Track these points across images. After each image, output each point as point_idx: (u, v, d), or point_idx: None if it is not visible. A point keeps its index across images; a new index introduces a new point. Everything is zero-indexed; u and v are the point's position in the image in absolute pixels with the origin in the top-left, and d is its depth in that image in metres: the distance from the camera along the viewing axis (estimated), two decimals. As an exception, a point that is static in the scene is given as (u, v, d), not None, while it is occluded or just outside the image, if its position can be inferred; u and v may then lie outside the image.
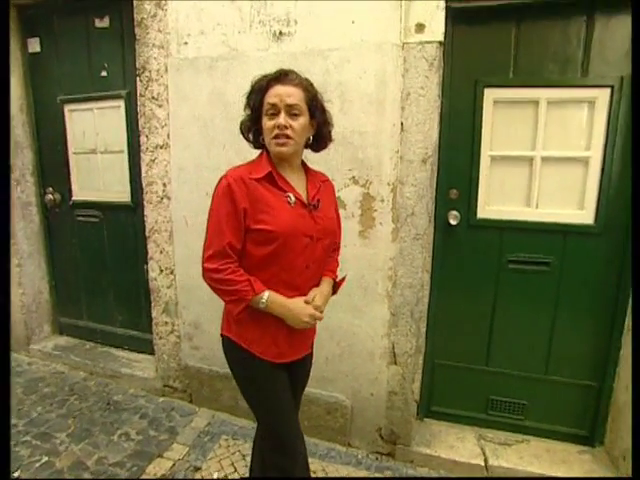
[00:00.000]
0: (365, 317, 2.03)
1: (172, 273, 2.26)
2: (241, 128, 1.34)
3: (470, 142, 1.97)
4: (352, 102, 1.88)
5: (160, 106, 2.11)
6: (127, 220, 2.55)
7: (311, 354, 1.52)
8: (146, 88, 2.12)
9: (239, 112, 1.97)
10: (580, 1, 1.76)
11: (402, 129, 1.84)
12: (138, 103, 2.15)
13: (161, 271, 2.28)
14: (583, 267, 1.96)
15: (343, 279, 1.47)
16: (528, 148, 1.93)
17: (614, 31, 1.78)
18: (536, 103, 1.89)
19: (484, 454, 2.03)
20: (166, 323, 2.33)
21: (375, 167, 1.90)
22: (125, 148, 2.46)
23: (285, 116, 1.18)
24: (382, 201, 1.92)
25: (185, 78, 2.05)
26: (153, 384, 2.45)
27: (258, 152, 1.34)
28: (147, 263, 2.32)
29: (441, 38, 1.74)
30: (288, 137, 1.19)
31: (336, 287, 1.45)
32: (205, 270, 1.23)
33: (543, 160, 1.92)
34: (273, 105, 1.18)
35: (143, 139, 2.17)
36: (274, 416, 1.34)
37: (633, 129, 1.68)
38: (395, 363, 2.03)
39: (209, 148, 2.08)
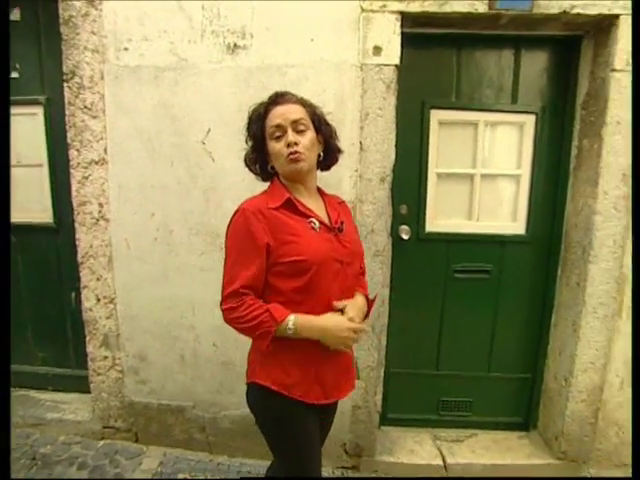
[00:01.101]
0: (326, 334, 2.03)
1: (112, 302, 2.02)
2: (246, 162, 1.28)
3: (418, 160, 2.08)
4: (311, 120, 1.87)
5: (95, 117, 1.88)
6: (49, 244, 2.22)
7: None
8: (76, 96, 1.87)
9: (189, 126, 1.90)
10: (508, 37, 1.96)
11: (361, 148, 1.88)
12: (67, 112, 1.88)
13: (98, 300, 2.03)
14: (517, 273, 2.19)
15: (374, 298, 1.35)
16: (469, 166, 2.10)
17: (536, 66, 2.03)
18: (475, 125, 2.06)
19: (441, 454, 2.15)
20: (105, 357, 2.08)
21: (335, 185, 1.90)
22: (45, 162, 2.14)
23: (293, 133, 1.14)
24: (341, 219, 1.94)
25: (126, 87, 1.86)
26: (90, 427, 2.17)
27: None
28: (79, 292, 2.05)
29: (397, 61, 1.82)
30: (300, 152, 1.13)
31: (369, 305, 1.31)
32: (223, 312, 1.15)
33: (482, 177, 2.10)
34: (278, 126, 1.14)
35: (73, 153, 1.91)
36: (303, 461, 1.23)
37: (633, 129, 1.75)
38: (358, 377, 2.05)
39: (155, 165, 1.91)
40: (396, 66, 1.82)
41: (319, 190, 1.33)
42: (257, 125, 1.20)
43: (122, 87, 1.86)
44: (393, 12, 1.77)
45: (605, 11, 1.74)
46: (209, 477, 2.01)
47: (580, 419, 2.05)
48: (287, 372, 1.17)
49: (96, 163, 1.91)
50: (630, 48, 1.75)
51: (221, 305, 1.15)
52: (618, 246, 1.89)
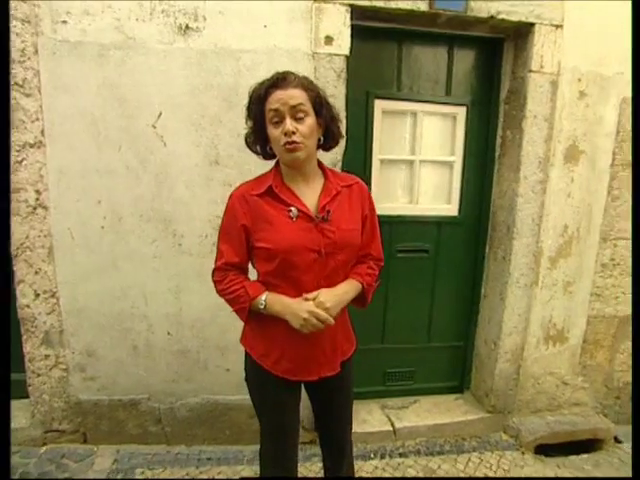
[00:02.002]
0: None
1: (54, 296, 1.88)
2: (246, 141, 1.26)
3: (363, 147, 2.20)
4: (265, 106, 1.89)
5: (28, 95, 1.72)
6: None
7: (346, 374, 1.38)
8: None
9: (139, 109, 1.84)
10: (444, 35, 2.14)
11: (314, 134, 1.94)
12: (-7, 89, 1.70)
13: (37, 296, 1.87)
14: (451, 250, 2.42)
15: (370, 285, 1.31)
16: (409, 153, 2.27)
17: (467, 63, 2.24)
18: (415, 114, 2.23)
19: (390, 420, 2.33)
20: (46, 357, 1.93)
21: (288, 170, 1.96)
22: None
23: (291, 120, 1.11)
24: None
25: (65, 64, 1.72)
26: (29, 433, 2.00)
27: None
28: (14, 287, 1.87)
29: (347, 52, 1.90)
30: (297, 142, 1.12)
31: (364, 293, 1.30)
32: (213, 283, 1.27)
33: (421, 163, 2.28)
34: (276, 111, 1.11)
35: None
36: (272, 428, 1.34)
37: (633, 129, 1.89)
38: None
39: (100, 148, 1.80)
40: (346, 56, 1.91)
41: (326, 172, 1.28)
42: (257, 107, 1.16)
43: (61, 64, 1.72)
44: (344, 4, 1.85)
45: (523, 19, 1.99)
46: (168, 469, 1.98)
47: (506, 376, 2.34)
48: (260, 342, 1.28)
49: (31, 146, 1.75)
50: (543, 52, 2.02)
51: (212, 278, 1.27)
52: (535, 224, 2.18)
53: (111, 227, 1.87)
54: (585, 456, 2.32)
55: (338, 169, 1.99)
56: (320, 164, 1.29)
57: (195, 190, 1.91)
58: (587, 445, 2.38)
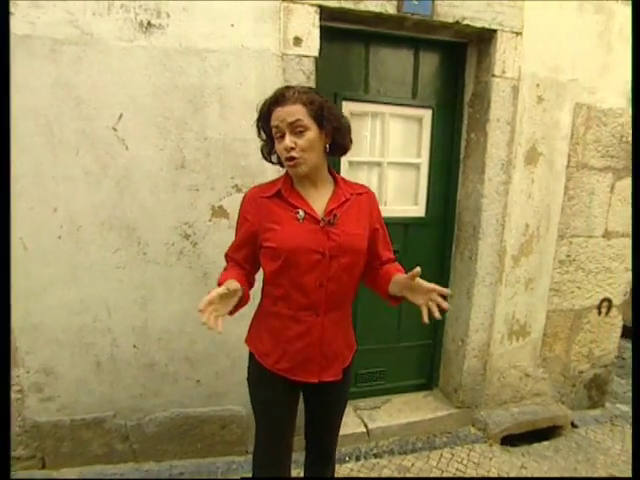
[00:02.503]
0: (254, 322, 2.04)
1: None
2: (262, 153, 1.33)
3: (332, 149, 2.18)
4: (232, 108, 1.83)
5: (-30, 94, 1.56)
6: None
7: (344, 381, 1.38)
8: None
9: (98, 110, 1.73)
10: (409, 38, 2.16)
11: (283, 137, 1.91)
12: None
13: (-15, 312, 1.72)
14: (419, 251, 2.45)
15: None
16: (377, 155, 2.28)
17: (432, 66, 2.27)
18: (383, 116, 2.24)
19: (363, 421, 2.35)
20: (-2, 378, 1.78)
21: (258, 174, 1.91)
22: None
23: (290, 136, 1.16)
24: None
25: (12, 60, 1.58)
26: (-21, 462, 1.84)
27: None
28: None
29: (316, 53, 1.87)
30: (296, 157, 1.17)
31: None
32: None
33: (389, 165, 2.30)
34: (277, 128, 1.17)
35: (-59, 137, 1.57)
36: (268, 428, 1.35)
37: (633, 129, 1.93)
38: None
39: (55, 152, 1.67)
40: (315, 58, 1.88)
41: (337, 179, 1.31)
42: (264, 123, 1.23)
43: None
44: (312, 4, 1.81)
45: (487, 25, 2.04)
46: (137, 488, 1.89)
47: (473, 372, 2.42)
48: (262, 341, 1.32)
49: (-25, 149, 1.60)
50: (505, 58, 2.09)
51: None
52: (499, 224, 2.26)
53: (69, 236, 1.75)
54: (546, 443, 2.45)
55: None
56: (331, 171, 1.33)
57: (160, 196, 1.82)
58: (548, 432, 2.50)
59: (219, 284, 1.17)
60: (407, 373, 2.60)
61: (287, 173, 1.28)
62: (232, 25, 1.76)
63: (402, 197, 2.39)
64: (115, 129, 1.71)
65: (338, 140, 1.26)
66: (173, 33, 1.70)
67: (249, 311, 1.99)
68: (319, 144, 1.20)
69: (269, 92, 1.80)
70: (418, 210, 2.41)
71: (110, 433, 1.94)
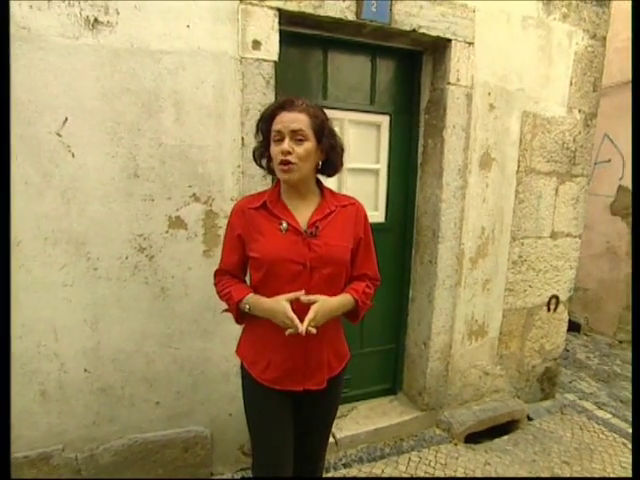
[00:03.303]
0: (217, 339, 1.95)
1: None
2: (254, 155, 1.33)
3: (292, 156, 2.14)
4: (189, 113, 1.74)
5: None
6: None
7: (332, 391, 1.39)
8: None
9: (38, 114, 1.59)
10: (367, 45, 2.17)
11: (243, 144, 1.84)
12: None
13: None
14: (380, 255, 2.41)
15: (365, 303, 1.34)
16: (338, 162, 2.26)
17: (389, 73, 2.31)
18: (342, 122, 2.23)
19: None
20: None
21: (217, 182, 1.84)
22: None
23: (289, 142, 1.18)
24: (226, 217, 1.87)
25: None
26: None
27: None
28: None
29: (276, 58, 1.83)
30: (291, 163, 1.18)
31: (358, 309, 1.32)
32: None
33: (349, 171, 2.29)
34: (278, 132, 1.19)
35: None
36: (259, 436, 1.34)
37: (633, 129, 1.92)
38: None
39: (-11, 160, 1.50)
40: (275, 62, 1.83)
41: (324, 192, 1.33)
42: (265, 125, 1.24)
43: None
44: (271, 8, 1.77)
45: (442, 35, 2.09)
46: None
47: (437, 374, 2.46)
48: (251, 350, 1.35)
49: None
50: (459, 67, 2.15)
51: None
52: (457, 228, 2.32)
53: (7, 253, 1.57)
54: (506, 437, 2.53)
55: (269, 180, 1.91)
56: (320, 185, 1.35)
57: (112, 206, 1.69)
58: (507, 427, 2.59)
59: (234, 301, 1.26)
60: (371, 379, 2.60)
61: (276, 185, 1.31)
62: (188, 26, 1.68)
63: (362, 203, 2.37)
64: (59, 134, 1.57)
65: (332, 158, 1.28)
66: (124, 32, 1.59)
67: (212, 326, 1.92)
68: (314, 157, 1.23)
69: (227, 97, 1.79)
70: (378, 216, 2.42)
71: (58, 469, 1.76)
